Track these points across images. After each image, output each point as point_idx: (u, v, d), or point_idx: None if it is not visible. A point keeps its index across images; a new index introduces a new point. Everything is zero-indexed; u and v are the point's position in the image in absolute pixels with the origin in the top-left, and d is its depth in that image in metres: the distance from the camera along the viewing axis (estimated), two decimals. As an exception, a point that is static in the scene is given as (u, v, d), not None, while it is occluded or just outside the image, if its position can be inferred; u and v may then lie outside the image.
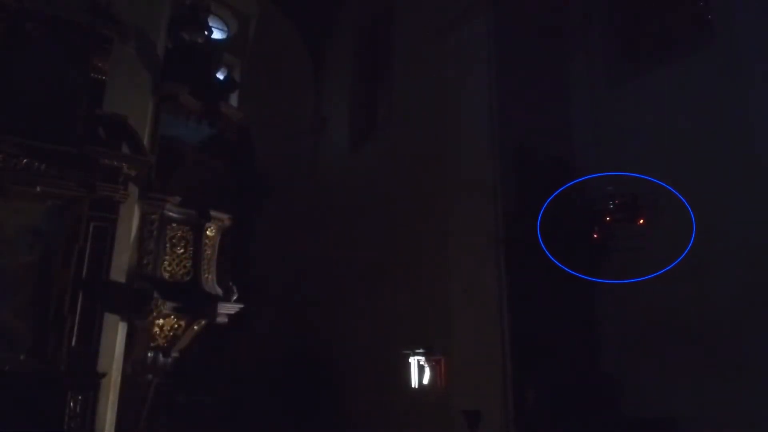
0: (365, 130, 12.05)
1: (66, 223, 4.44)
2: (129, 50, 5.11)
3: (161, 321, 5.00)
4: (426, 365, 7.00)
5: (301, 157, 13.32)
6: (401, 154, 10.01)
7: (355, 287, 10.50)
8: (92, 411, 4.24)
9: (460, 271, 7.79)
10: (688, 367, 6.66)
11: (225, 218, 5.55)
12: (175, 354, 5.31)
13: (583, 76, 8.91)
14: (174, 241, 5.19)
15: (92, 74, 4.76)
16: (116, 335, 4.64)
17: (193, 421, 9.09)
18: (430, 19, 9.42)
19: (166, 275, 5.09)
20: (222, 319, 5.23)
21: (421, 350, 7.11)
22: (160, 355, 5.18)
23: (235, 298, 5.28)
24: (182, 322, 5.14)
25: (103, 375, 4.39)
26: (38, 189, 4.35)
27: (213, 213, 5.37)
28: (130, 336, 4.90)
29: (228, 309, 5.24)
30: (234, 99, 11.08)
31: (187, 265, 5.22)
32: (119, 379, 4.71)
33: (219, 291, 5.36)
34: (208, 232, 5.42)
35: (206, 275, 5.34)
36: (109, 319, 4.55)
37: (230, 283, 5.36)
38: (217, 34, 12.99)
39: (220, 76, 7.03)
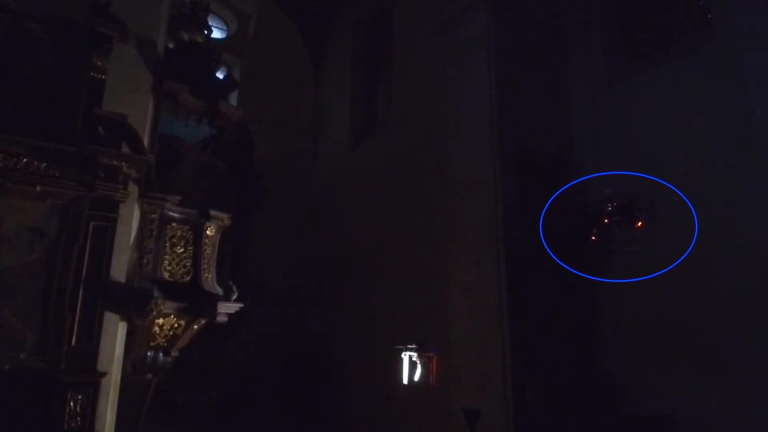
0: (365, 129, 12.05)
1: (66, 223, 4.44)
2: (129, 49, 5.10)
3: (161, 320, 4.99)
4: (418, 361, 6.96)
5: (300, 157, 13.31)
6: (401, 154, 10.01)
7: (354, 286, 10.50)
8: (92, 410, 4.24)
9: (460, 270, 7.79)
10: (688, 367, 6.67)
11: (225, 217, 5.54)
12: (174, 353, 5.30)
13: (582, 75, 8.91)
14: (174, 240, 5.19)
15: (92, 73, 4.76)
16: (116, 334, 4.64)
17: (193, 420, 9.10)
18: (430, 19, 9.42)
19: (166, 274, 5.08)
20: (222, 319, 5.22)
21: (413, 346, 7.08)
22: (160, 355, 5.17)
23: (234, 297, 5.28)
24: (182, 322, 5.13)
25: (103, 374, 4.39)
26: (38, 188, 4.35)
27: (213, 212, 5.37)
28: (130, 335, 4.90)
29: (228, 308, 5.24)
30: (234, 98, 11.10)
31: (187, 264, 5.22)
32: (119, 378, 4.71)
33: (219, 290, 5.36)
34: (207, 232, 5.41)
35: (206, 274, 5.33)
36: (109, 318, 4.55)
37: (230, 283, 5.36)
38: (216, 33, 13.02)
39: (220, 75, 7.04)
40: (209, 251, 5.45)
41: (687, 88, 7.40)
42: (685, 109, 7.38)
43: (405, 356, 7.09)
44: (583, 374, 7.24)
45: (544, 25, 8.96)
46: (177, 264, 5.17)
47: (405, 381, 7.06)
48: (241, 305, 5.39)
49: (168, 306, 4.87)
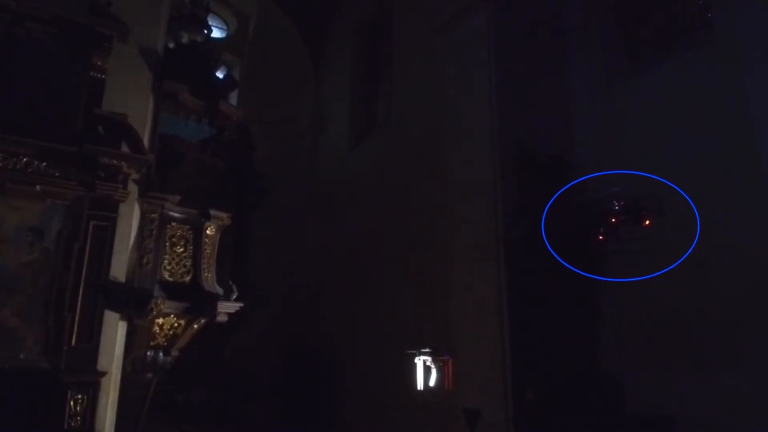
0: (365, 129, 12.05)
1: (66, 222, 4.44)
2: (129, 49, 5.11)
3: (161, 320, 5.00)
4: (432, 366, 6.76)
5: (300, 157, 13.31)
6: (401, 154, 10.01)
7: (354, 286, 10.49)
8: (92, 409, 4.25)
9: (461, 270, 7.78)
10: (688, 367, 6.66)
11: (224, 217, 5.54)
12: (174, 353, 5.31)
13: (583, 74, 8.90)
14: (174, 240, 5.19)
15: (92, 73, 4.77)
16: (116, 334, 4.65)
17: (193, 420, 9.10)
18: (430, 19, 9.42)
19: (166, 274, 5.09)
20: (222, 318, 5.23)
21: (426, 350, 6.88)
22: (160, 354, 5.18)
23: (234, 296, 5.28)
24: (182, 321, 5.14)
25: (103, 374, 4.39)
26: (38, 188, 4.35)
27: (212, 212, 5.37)
28: (130, 335, 4.91)
29: (228, 308, 5.24)
30: (234, 98, 11.10)
31: (187, 264, 5.22)
32: (119, 377, 4.71)
33: (219, 290, 5.36)
34: (207, 231, 5.41)
35: (206, 274, 5.33)
36: (109, 317, 4.56)
37: (230, 282, 5.36)
38: (216, 33, 13.02)
39: (220, 74, 7.03)
40: (209, 251, 5.45)
41: (687, 88, 7.39)
42: (685, 109, 7.37)
43: (419, 361, 6.88)
44: (583, 374, 7.23)
45: (544, 25, 8.95)
46: (177, 264, 5.17)
47: (420, 387, 6.84)
48: (241, 305, 5.39)
49: (168, 305, 4.87)
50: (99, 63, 4.79)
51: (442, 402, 7.29)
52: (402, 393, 8.02)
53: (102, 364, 4.41)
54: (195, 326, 5.27)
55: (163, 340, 5.13)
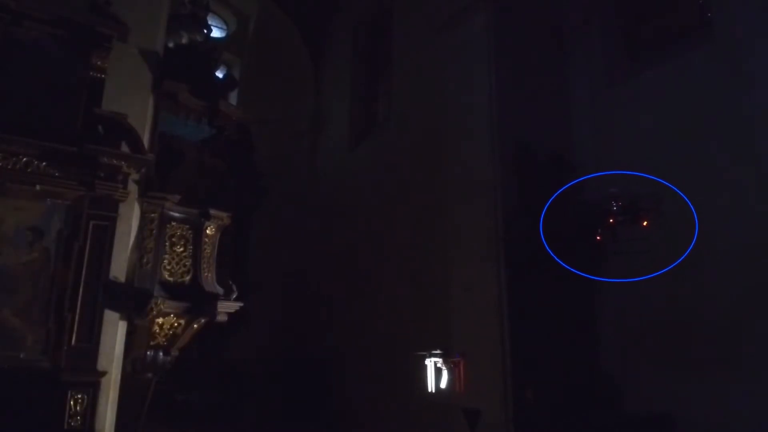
0: (365, 129, 12.05)
1: (66, 222, 4.44)
2: (128, 49, 5.10)
3: (161, 319, 4.99)
4: (443, 368, 6.70)
5: (300, 157, 13.32)
6: (401, 154, 10.01)
7: (353, 286, 10.50)
8: (92, 409, 4.24)
9: (461, 270, 7.79)
10: (688, 366, 6.67)
11: (224, 217, 5.54)
12: (174, 352, 5.30)
13: (582, 74, 8.91)
14: (174, 239, 5.19)
15: (92, 73, 4.76)
16: (116, 334, 4.64)
17: (193, 420, 9.10)
18: (430, 19, 9.42)
19: (166, 274, 5.08)
20: (222, 318, 5.22)
21: (437, 352, 6.82)
22: (160, 354, 5.17)
23: (234, 296, 5.28)
24: (182, 321, 5.13)
25: (103, 373, 4.38)
26: (38, 187, 4.35)
27: (212, 211, 5.36)
28: (129, 334, 4.90)
29: (228, 307, 5.24)
30: (234, 98, 11.11)
31: (187, 263, 5.22)
32: (119, 377, 4.70)
33: (219, 289, 5.35)
34: (207, 231, 5.41)
35: (206, 274, 5.33)
36: (109, 317, 4.55)
37: (230, 282, 5.36)
38: (216, 33, 13.03)
39: (220, 74, 7.03)
40: (209, 250, 5.44)
41: (687, 88, 7.39)
42: (684, 109, 7.38)
43: (429, 362, 6.80)
44: (583, 374, 7.23)
45: (544, 24, 8.95)
46: (177, 263, 5.17)
47: (431, 389, 6.77)
48: (241, 304, 5.39)
49: (168, 305, 4.86)
50: (99, 63, 4.78)
51: (442, 401, 7.30)
52: (402, 393, 8.03)
53: (102, 363, 4.40)
54: (195, 326, 5.26)
55: (163, 339, 5.12)
